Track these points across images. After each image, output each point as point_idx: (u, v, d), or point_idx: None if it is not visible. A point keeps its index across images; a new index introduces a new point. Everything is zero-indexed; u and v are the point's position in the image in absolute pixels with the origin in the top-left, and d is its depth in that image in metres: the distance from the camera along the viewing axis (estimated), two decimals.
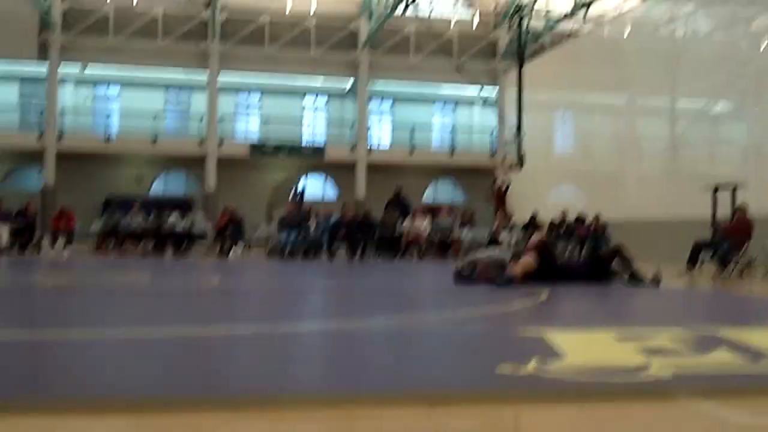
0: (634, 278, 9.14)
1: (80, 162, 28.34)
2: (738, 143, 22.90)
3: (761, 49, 22.10)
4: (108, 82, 30.60)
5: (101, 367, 3.29)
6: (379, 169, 29.33)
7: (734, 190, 14.35)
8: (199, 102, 29.92)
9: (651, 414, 2.71)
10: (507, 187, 20.51)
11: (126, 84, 30.42)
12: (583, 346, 4.19)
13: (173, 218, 19.06)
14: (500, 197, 21.51)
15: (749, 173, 20.26)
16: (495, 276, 8.66)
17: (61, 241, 18.14)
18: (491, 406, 2.71)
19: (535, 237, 10.14)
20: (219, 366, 3.42)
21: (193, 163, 29.34)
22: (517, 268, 8.73)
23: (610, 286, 8.93)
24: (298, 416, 2.52)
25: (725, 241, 12.85)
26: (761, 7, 21.26)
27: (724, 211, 14.42)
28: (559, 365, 3.34)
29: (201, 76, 28.97)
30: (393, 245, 18.47)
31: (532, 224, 18.81)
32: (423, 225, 18.93)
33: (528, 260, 8.96)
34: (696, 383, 3.06)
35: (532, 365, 3.27)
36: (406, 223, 18.77)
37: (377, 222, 18.70)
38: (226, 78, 29.20)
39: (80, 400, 2.58)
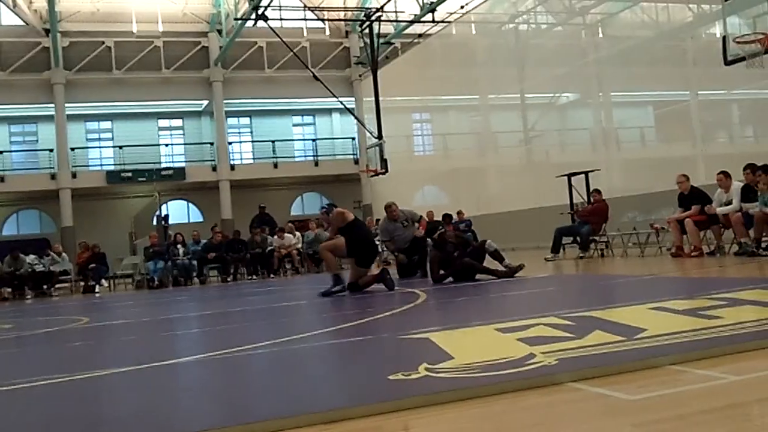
0: (503, 270, 9.38)
1: None
2: (585, 130, 24.11)
3: (600, 37, 23.37)
4: None
5: None
6: (243, 187, 28.96)
7: (587, 175, 15.02)
8: (47, 134, 28.55)
9: (543, 401, 2.76)
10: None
11: None
12: (468, 343, 4.24)
13: (30, 259, 18.05)
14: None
15: (599, 157, 21.37)
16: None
17: None
18: (388, 415, 2.68)
19: None
20: (101, 410, 3.24)
21: (46, 198, 27.95)
22: None
23: (480, 281, 9.13)
24: None
25: (584, 225, 13.43)
26: None
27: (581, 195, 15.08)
28: (449, 365, 3.37)
29: (47, 107, 27.64)
30: (265, 263, 18.25)
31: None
32: (293, 240, 18.80)
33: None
34: (580, 366, 3.16)
35: (422, 369, 3.27)
36: (276, 239, 18.59)
37: (247, 241, 18.42)
38: (74, 106, 27.96)
39: None
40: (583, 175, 15.03)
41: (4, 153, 27.75)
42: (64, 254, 19.00)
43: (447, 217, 18.82)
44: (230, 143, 30.13)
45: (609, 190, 15.60)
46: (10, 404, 3.56)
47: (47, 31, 27.18)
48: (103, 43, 28.04)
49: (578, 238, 13.62)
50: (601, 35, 23.64)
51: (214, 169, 29.10)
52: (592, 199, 14.02)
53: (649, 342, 3.58)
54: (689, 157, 19.09)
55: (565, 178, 15.37)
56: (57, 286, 18.19)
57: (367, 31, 22.01)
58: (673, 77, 21.35)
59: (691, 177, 11.90)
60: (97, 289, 17.66)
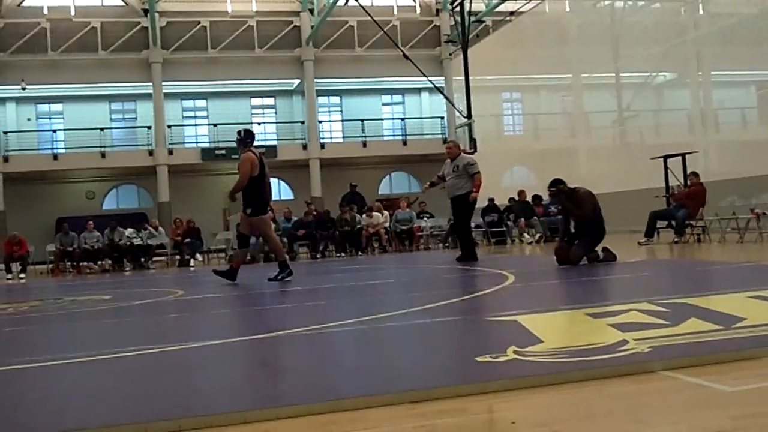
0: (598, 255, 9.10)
1: (28, 183, 27.76)
2: (683, 111, 23.28)
3: (700, 14, 22.46)
4: (50, 98, 29.98)
5: (74, 396, 3.18)
6: (333, 165, 29.24)
7: (684, 157, 14.54)
8: (145, 111, 29.47)
9: (634, 389, 2.69)
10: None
11: (69, 99, 29.83)
12: (558, 327, 4.18)
13: (129, 232, 18.73)
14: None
15: (696, 139, 20.64)
16: None
17: (16, 266, 17.60)
18: (475, 397, 2.67)
19: None
20: (192, 382, 3.33)
21: (144, 174, 28.91)
22: None
23: (574, 264, 8.94)
24: (281, 428, 2.46)
25: (680, 209, 13.02)
26: None
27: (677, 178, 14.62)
28: (538, 348, 3.33)
29: (145, 86, 28.50)
30: (353, 241, 18.42)
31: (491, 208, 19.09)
32: (381, 219, 18.91)
33: None
34: (675, 354, 3.07)
35: (510, 351, 3.24)
36: (364, 218, 18.73)
37: (335, 219, 18.63)
38: (170, 84, 28.76)
39: None
40: (679, 158, 14.55)
41: (105, 130, 28.79)
42: (160, 228, 19.63)
43: (537, 198, 18.57)
44: (320, 122, 30.46)
45: (707, 173, 15.05)
46: (106, 373, 3.70)
47: (146, 12, 27.94)
48: (199, 22, 28.67)
49: (673, 223, 13.23)
50: (701, 12, 22.72)
51: (305, 147, 29.48)
52: (689, 182, 13.58)
53: (748, 332, 3.45)
54: None
55: (661, 160, 14.92)
56: (154, 259, 18.83)
57: (458, 9, 21.80)
58: None
59: None
60: (191, 263, 18.19)
